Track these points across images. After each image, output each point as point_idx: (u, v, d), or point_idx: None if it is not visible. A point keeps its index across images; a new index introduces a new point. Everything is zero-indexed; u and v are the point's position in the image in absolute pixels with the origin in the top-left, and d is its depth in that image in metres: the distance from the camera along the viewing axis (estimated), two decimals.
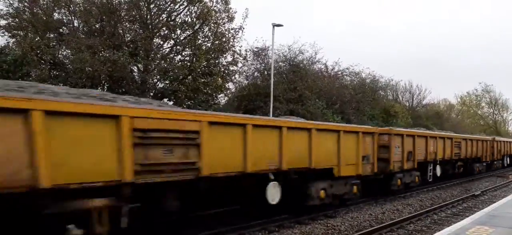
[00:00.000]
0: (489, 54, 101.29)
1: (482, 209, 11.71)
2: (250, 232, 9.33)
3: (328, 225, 10.41)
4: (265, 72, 28.30)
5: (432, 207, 13.34)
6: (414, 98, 50.17)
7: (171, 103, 21.30)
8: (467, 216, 10.48)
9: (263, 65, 28.83)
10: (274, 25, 23.21)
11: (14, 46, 19.12)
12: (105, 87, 19.96)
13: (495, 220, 8.83)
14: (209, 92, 21.77)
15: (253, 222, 9.94)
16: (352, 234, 9.43)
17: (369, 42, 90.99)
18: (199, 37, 21.34)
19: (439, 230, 8.79)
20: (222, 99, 25.50)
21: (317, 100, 28.40)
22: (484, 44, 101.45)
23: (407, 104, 48.56)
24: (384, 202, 14.23)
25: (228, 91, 25.36)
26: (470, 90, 71.50)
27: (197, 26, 20.91)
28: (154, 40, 20.47)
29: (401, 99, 49.06)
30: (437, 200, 15.60)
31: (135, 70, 20.49)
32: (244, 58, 24.93)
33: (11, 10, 18.94)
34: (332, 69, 34.74)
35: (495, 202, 13.30)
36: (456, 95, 72.93)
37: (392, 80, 44.50)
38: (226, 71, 22.55)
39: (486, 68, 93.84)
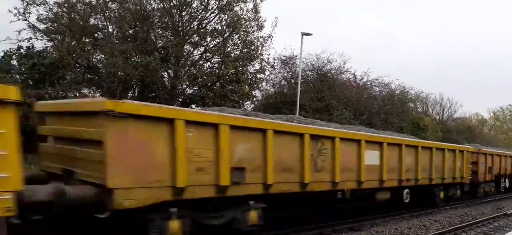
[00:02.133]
0: None
1: None
2: None
3: None
4: (292, 81, 28.32)
5: (461, 225, 12.97)
6: (445, 112, 48.93)
7: (198, 109, 21.68)
8: None
9: (290, 73, 28.89)
10: (303, 34, 23.26)
11: (52, 50, 19.93)
12: (136, 91, 20.51)
13: None
14: (236, 99, 21.99)
15: (274, 232, 9.93)
16: None
17: (398, 53, 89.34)
18: (228, 45, 21.63)
19: None
20: (248, 106, 25.70)
21: (344, 110, 28.16)
22: None
23: (437, 117, 47.37)
24: (410, 218, 13.95)
25: (255, 99, 25.53)
26: (504, 105, 69.03)
27: (227, 34, 21.20)
28: (184, 47, 20.89)
29: (431, 112, 47.93)
30: (466, 217, 15.13)
31: (166, 76, 20.96)
32: (272, 67, 25.08)
33: (50, 15, 19.78)
34: (360, 79, 34.39)
35: None
36: (489, 109, 70.56)
37: (422, 92, 43.66)
38: (254, 79, 22.72)
39: None
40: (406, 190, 13.42)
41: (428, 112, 46.87)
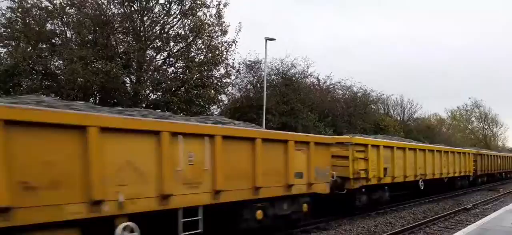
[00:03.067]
0: (478, 71, 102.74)
1: (474, 222, 11.75)
2: None
3: None
4: (258, 85, 28.36)
5: (425, 220, 13.37)
6: (405, 112, 50.58)
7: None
8: (460, 230, 10.49)
9: (255, 77, 28.90)
10: (267, 39, 23.34)
11: (6, 56, 18.96)
12: (97, 98, 19.84)
13: (487, 233, 8.86)
14: (202, 103, 21.72)
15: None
16: None
17: (359, 58, 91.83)
18: (192, 49, 21.37)
19: None
20: (215, 110, 25.47)
21: (309, 113, 28.47)
22: (472, 61, 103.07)
23: (399, 118, 48.88)
24: (376, 215, 14.23)
25: (221, 103, 25.35)
26: (460, 105, 72.45)
27: (191, 38, 20.94)
28: (147, 52, 20.43)
29: (392, 113, 49.40)
30: (429, 213, 15.64)
31: (128, 82, 20.41)
32: (237, 71, 24.98)
33: (3, 20, 18.83)
34: (324, 83, 34.98)
35: (486, 215, 13.36)
36: (447, 109, 73.78)
37: (383, 94, 44.89)
38: (219, 83, 22.54)
39: (475, 85, 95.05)
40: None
41: (389, 113, 48.28)
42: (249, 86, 29.01)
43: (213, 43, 21.52)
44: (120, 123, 6.54)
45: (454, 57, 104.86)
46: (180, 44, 21.09)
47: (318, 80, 34.30)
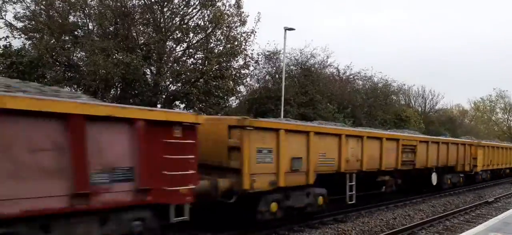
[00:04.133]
0: (504, 61, 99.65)
1: (496, 216, 11.55)
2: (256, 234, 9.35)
3: (339, 229, 10.38)
4: (276, 76, 28.33)
5: (444, 213, 13.20)
6: (427, 103, 49.70)
7: (182, 106, 21.45)
8: (481, 223, 10.36)
9: (274, 68, 28.89)
10: (286, 29, 23.25)
11: (30, 48, 19.48)
12: (119, 89, 20.21)
13: (509, 227, 8.72)
14: (221, 95, 21.87)
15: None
16: None
17: (381, 48, 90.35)
18: (211, 40, 21.45)
19: None
20: (233, 101, 25.60)
21: (328, 104, 28.32)
22: (498, 51, 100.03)
23: (420, 109, 48.07)
24: (395, 208, 14.13)
25: (239, 94, 25.44)
26: (484, 95, 70.54)
27: (210, 29, 21.02)
28: (167, 43, 20.64)
29: (413, 103, 48.61)
30: (449, 206, 15.43)
31: (148, 73, 20.70)
32: (256, 62, 24.99)
33: (28, 13, 19.32)
34: (343, 73, 34.71)
35: (509, 209, 13.10)
36: (470, 100, 72.08)
37: (404, 85, 44.18)
38: (238, 74, 22.61)
39: (501, 75, 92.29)
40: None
41: (410, 104, 47.52)
42: (267, 77, 29.03)
43: (232, 33, 21.56)
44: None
45: (480, 45, 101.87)
46: (200, 35, 21.21)
47: (338, 70, 34.08)
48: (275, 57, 28.54)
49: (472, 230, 8.74)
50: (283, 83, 23.72)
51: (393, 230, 10.37)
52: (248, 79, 25.22)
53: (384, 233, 9.94)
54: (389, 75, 62.92)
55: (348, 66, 35.37)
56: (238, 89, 23.85)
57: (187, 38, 21.13)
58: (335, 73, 33.77)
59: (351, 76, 35.13)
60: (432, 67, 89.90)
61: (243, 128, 8.28)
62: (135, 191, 6.13)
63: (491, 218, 10.98)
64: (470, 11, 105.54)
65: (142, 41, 20.51)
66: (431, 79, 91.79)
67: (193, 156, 6.78)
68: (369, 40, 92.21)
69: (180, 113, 7.80)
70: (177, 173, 6.51)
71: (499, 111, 71.32)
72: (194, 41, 21.40)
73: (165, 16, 20.63)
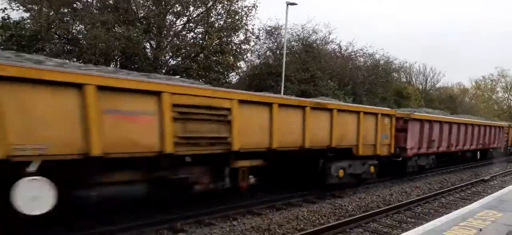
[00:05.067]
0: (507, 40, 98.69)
1: (491, 193, 11.68)
2: (258, 209, 9.51)
3: (336, 204, 10.54)
4: (277, 52, 28.16)
5: (441, 190, 13.36)
6: (428, 81, 49.63)
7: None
8: (476, 200, 10.49)
9: (275, 44, 28.68)
10: (288, 4, 22.97)
11: (29, 20, 19.30)
12: (118, 63, 20.14)
13: (504, 205, 8.82)
14: (221, 70, 21.81)
15: (260, 199, 10.13)
16: (359, 214, 9.54)
17: (383, 25, 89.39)
18: (212, 14, 21.27)
19: (447, 214, 8.84)
20: (233, 77, 25.55)
21: (329, 81, 28.24)
22: (502, 31, 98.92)
23: (421, 87, 48.00)
24: (392, 185, 14.29)
25: (240, 70, 25.36)
26: (486, 74, 70.30)
27: (210, 3, 20.80)
28: (167, 17, 20.46)
29: (414, 81, 48.50)
30: (446, 183, 15.60)
31: (148, 47, 20.59)
32: (257, 37, 24.83)
33: None
34: (345, 50, 34.44)
35: (504, 187, 13.24)
36: (471, 79, 71.91)
37: (406, 62, 44.09)
38: (238, 50, 22.50)
39: (504, 53, 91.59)
40: None
41: (411, 81, 47.42)
42: (268, 52, 28.86)
43: (233, 8, 21.35)
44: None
45: (482, 24, 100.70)
46: (200, 9, 21.00)
47: (340, 47, 33.83)
48: (276, 32, 28.32)
49: (467, 207, 8.84)
50: (284, 59, 23.60)
51: (390, 206, 10.52)
52: (248, 54, 25.10)
53: (380, 209, 10.09)
54: (391, 52, 62.46)
55: (350, 43, 35.23)
56: (238, 64, 23.78)
57: (187, 12, 20.93)
58: (336, 50, 33.56)
59: (353, 53, 34.92)
60: (434, 45, 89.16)
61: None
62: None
63: (486, 196, 11.10)
64: None
65: (142, 14, 20.32)
66: (432, 57, 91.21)
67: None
68: (371, 16, 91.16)
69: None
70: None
71: (500, 90, 71.16)
72: (194, 15, 21.21)
73: None
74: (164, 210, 8.20)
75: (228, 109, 7.94)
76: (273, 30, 28.14)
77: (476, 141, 21.08)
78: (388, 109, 13.91)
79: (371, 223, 9.06)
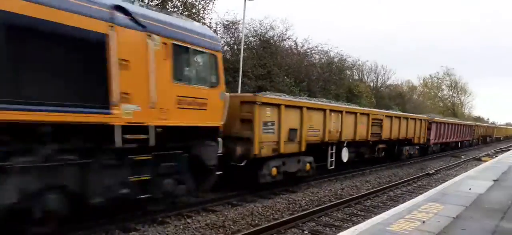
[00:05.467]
0: (455, 40, 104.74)
1: (435, 187, 12.36)
2: (213, 206, 9.49)
3: (290, 199, 10.73)
4: (235, 47, 28.11)
5: (389, 185, 13.97)
6: (379, 79, 51.54)
7: None
8: (421, 194, 11.05)
9: (233, 39, 28.61)
10: None
11: None
12: None
13: (445, 198, 9.36)
14: None
15: (215, 196, 10.11)
16: (312, 208, 9.77)
17: (338, 24, 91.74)
18: (167, 6, 20.81)
19: (394, 207, 9.25)
20: None
21: (285, 77, 28.60)
22: (448, 30, 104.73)
23: (372, 84, 49.78)
24: (344, 179, 14.76)
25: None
26: (433, 72, 74.25)
27: None
28: None
29: (366, 79, 50.22)
30: (394, 177, 16.32)
31: None
32: (214, 31, 24.61)
33: None
34: (301, 47, 35.00)
35: (447, 180, 14.05)
36: (419, 77, 75.65)
37: (359, 60, 45.47)
38: None
39: (451, 53, 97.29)
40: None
41: (363, 79, 49.05)
42: (225, 47, 28.71)
43: (190, 1, 21.04)
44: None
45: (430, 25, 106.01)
46: (155, 1, 20.49)
47: (296, 43, 34.32)
48: (234, 27, 28.25)
49: (413, 200, 9.30)
50: (242, 55, 23.60)
51: (341, 200, 10.85)
52: None
53: (332, 203, 10.39)
54: (345, 50, 64.36)
55: (305, 40, 35.75)
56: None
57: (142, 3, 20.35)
58: (293, 46, 34.03)
59: (309, 50, 35.57)
60: (385, 43, 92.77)
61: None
62: None
63: (431, 189, 11.74)
64: None
65: None
66: (383, 55, 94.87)
67: None
68: (327, 13, 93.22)
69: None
70: None
71: (445, 88, 75.49)
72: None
73: None
74: (118, 209, 7.95)
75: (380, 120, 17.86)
76: (231, 24, 28.07)
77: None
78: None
79: (323, 217, 9.31)
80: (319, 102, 14.35)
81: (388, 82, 52.73)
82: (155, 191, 7.56)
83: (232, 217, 8.59)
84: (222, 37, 28.23)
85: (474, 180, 12.29)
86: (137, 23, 7.04)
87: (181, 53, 8.00)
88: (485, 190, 10.38)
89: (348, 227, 8.11)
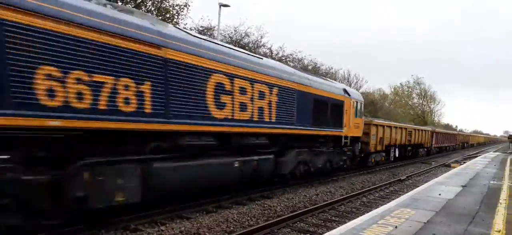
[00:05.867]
0: (422, 50, 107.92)
1: (407, 192, 12.64)
2: (188, 213, 9.36)
3: (265, 205, 10.71)
4: None
5: (362, 190, 14.18)
6: (352, 87, 52.45)
7: None
8: (393, 199, 11.27)
9: None
10: (221, 5, 22.94)
11: None
12: None
13: (416, 203, 9.58)
14: None
15: (191, 203, 9.98)
16: (287, 214, 9.78)
17: (312, 32, 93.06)
18: (141, 10, 20.54)
19: (367, 212, 9.39)
20: None
21: None
22: (417, 40, 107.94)
23: None
24: (319, 185, 14.88)
25: None
26: (404, 81, 76.34)
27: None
28: None
29: None
30: (367, 183, 16.59)
31: None
32: None
33: None
34: (276, 54, 35.27)
35: (418, 186, 14.40)
36: (390, 85, 77.54)
37: (332, 68, 46.24)
38: None
39: (418, 62, 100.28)
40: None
41: None
42: None
43: (164, 5, 20.87)
44: None
45: (398, 35, 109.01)
46: (129, 5, 20.17)
47: (271, 51, 34.55)
48: (208, 33, 28.15)
49: (385, 205, 9.47)
50: None
51: (315, 206, 10.93)
52: None
53: (307, 209, 10.44)
54: (318, 58, 65.25)
55: (280, 47, 36.10)
56: None
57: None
58: (268, 54, 34.21)
59: (283, 57, 35.88)
60: (358, 53, 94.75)
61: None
62: None
63: (402, 194, 11.99)
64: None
65: None
66: (357, 64, 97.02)
67: None
68: (300, 23, 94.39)
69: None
70: None
71: (416, 96, 77.69)
72: None
73: None
74: (89, 218, 7.71)
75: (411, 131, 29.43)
76: (205, 30, 27.96)
77: None
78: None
79: (298, 222, 9.34)
80: (388, 122, 24.84)
81: (360, 90, 53.76)
82: (339, 163, 16.69)
83: (207, 224, 8.49)
84: None
85: (443, 186, 12.65)
86: (349, 95, 16.84)
87: (356, 105, 17.43)
88: (454, 196, 10.70)
89: (322, 233, 8.17)
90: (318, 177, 15.49)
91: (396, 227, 6.91)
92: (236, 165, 10.29)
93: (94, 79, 6.51)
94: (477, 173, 16.72)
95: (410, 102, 77.23)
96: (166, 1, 20.84)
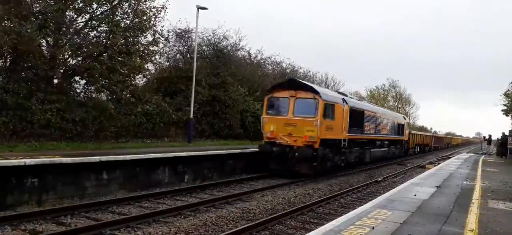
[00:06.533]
0: (397, 53, 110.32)
1: (383, 194, 12.82)
2: (165, 217, 9.22)
3: (244, 208, 10.67)
4: (188, 55, 27.80)
5: (340, 192, 14.31)
6: (329, 89, 53.05)
7: (83, 81, 19.89)
8: (370, 200, 11.40)
9: (185, 47, 28.27)
10: (199, 8, 22.82)
11: None
12: (8, 60, 18.06)
13: (393, 204, 9.72)
14: (126, 72, 20.74)
15: (168, 206, 9.85)
16: (266, 217, 9.76)
17: (290, 35, 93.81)
18: (117, 13, 20.19)
19: (345, 214, 9.46)
20: (140, 80, 24.54)
21: (239, 87, 28.65)
22: (396, 42, 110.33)
23: None
24: (296, 187, 14.93)
25: (147, 72, 24.44)
26: (379, 84, 77.79)
27: (116, 1, 19.75)
28: (66, 13, 18.90)
29: None
30: (344, 185, 16.76)
31: (44, 44, 18.78)
32: (166, 39, 24.22)
33: None
34: (255, 57, 35.34)
35: (394, 187, 14.63)
36: (367, 88, 78.87)
37: (309, 71, 46.64)
38: (146, 51, 21.62)
39: (394, 65, 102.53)
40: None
41: None
42: (178, 56, 28.33)
43: (141, 7, 20.52)
44: None
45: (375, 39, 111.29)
46: (104, 6, 19.80)
47: (249, 54, 34.59)
48: (186, 35, 27.95)
49: (363, 207, 9.55)
50: (195, 63, 23.37)
51: (294, 208, 10.95)
52: (157, 56, 24.23)
53: (286, 211, 10.45)
54: (296, 62, 65.82)
55: (259, 51, 36.23)
56: (146, 66, 22.88)
57: (90, 9, 19.57)
58: (246, 57, 34.27)
59: (262, 61, 35.99)
60: (335, 56, 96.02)
61: None
62: None
63: (379, 196, 12.14)
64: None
65: (38, 9, 18.49)
66: (333, 67, 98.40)
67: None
68: (278, 26, 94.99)
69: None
70: None
71: (391, 99, 79.24)
72: (98, 13, 19.90)
73: None
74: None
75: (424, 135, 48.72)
76: (183, 33, 27.74)
77: None
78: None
79: (277, 225, 9.33)
80: (415, 131, 37.75)
81: None
82: (401, 152, 32.33)
83: (185, 229, 8.38)
84: (174, 45, 27.85)
85: (419, 187, 12.87)
86: (405, 119, 34.70)
87: (408, 124, 38.93)
88: (429, 196, 10.90)
89: None
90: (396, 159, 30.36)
91: (373, 228, 6.98)
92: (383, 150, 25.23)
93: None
94: (451, 174, 17.12)
95: (385, 105, 78.71)
96: (143, 3, 20.51)
